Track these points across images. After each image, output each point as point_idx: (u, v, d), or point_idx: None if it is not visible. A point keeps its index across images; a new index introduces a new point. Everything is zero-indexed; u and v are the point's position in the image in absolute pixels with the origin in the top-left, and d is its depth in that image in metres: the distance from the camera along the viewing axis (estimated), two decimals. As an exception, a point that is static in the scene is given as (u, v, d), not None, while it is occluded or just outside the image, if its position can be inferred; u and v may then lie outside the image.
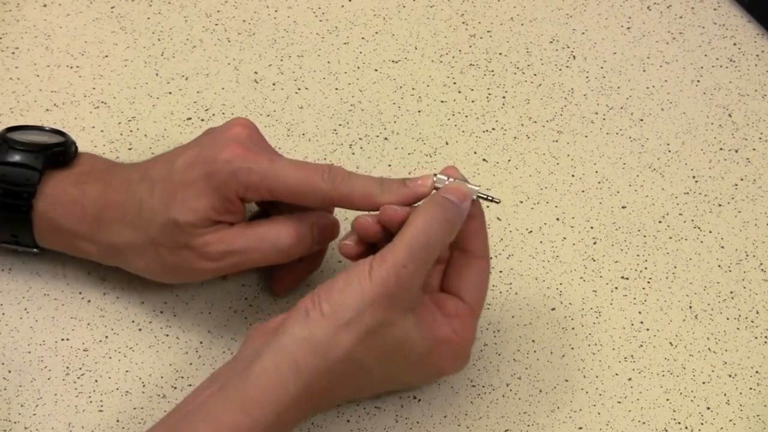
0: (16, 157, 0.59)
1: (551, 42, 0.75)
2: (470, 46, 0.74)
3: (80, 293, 0.62)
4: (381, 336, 0.52)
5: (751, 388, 0.62)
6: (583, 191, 0.68)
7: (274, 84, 0.71)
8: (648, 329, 0.63)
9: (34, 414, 0.58)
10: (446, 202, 0.54)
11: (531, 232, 0.67)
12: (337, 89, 0.71)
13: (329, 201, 0.56)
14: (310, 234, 0.58)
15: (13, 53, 0.71)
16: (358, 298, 0.52)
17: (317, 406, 0.54)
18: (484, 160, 0.69)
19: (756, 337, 0.64)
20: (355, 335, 0.52)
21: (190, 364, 0.61)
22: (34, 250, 0.61)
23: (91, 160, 0.61)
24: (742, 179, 0.70)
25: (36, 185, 0.58)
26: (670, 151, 0.70)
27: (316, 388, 0.52)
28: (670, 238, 0.67)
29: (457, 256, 0.57)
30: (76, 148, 0.61)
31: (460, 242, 0.56)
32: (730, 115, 0.72)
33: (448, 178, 0.56)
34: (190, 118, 0.69)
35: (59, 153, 0.60)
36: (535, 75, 0.73)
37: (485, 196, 0.56)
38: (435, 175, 0.56)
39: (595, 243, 0.66)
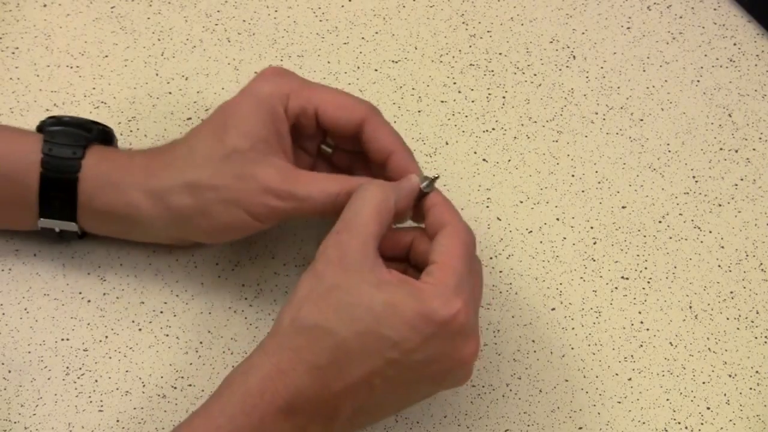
0: (62, 127, 0.60)
1: (551, 42, 0.75)
2: (470, 46, 0.74)
3: (80, 293, 0.62)
4: (332, 299, 0.52)
5: (751, 388, 0.62)
6: (583, 191, 0.68)
7: (274, 84, 0.71)
8: (648, 329, 0.63)
9: (34, 414, 0.58)
10: (379, 180, 0.57)
11: (531, 232, 0.67)
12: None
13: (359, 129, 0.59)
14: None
15: (13, 53, 0.71)
16: (305, 279, 0.54)
17: (307, 389, 0.53)
18: (484, 160, 0.69)
19: (756, 337, 0.64)
20: (307, 307, 0.53)
21: (190, 364, 0.61)
22: (74, 224, 0.60)
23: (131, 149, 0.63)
24: (742, 179, 0.70)
25: (84, 148, 0.59)
26: (670, 151, 0.71)
27: (285, 363, 0.52)
28: (670, 238, 0.67)
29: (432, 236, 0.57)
30: (116, 141, 0.64)
31: (433, 227, 0.56)
32: (730, 115, 0.72)
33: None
34: (190, 118, 0.69)
35: (102, 131, 0.62)
36: (535, 75, 0.73)
37: (426, 185, 0.58)
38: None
39: (595, 243, 0.66)
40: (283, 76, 0.60)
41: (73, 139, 0.60)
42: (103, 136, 0.62)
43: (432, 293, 0.53)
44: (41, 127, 0.61)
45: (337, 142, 0.62)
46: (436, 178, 0.58)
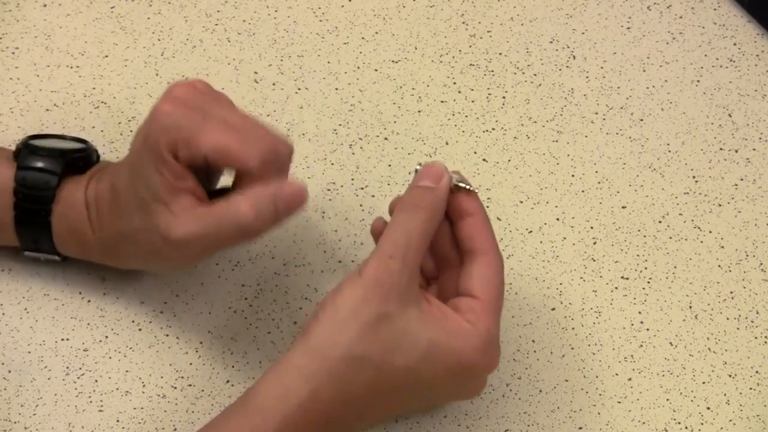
0: (38, 163, 0.59)
1: (551, 42, 0.75)
2: (470, 46, 0.74)
3: (80, 293, 0.62)
4: (380, 330, 0.51)
5: (751, 388, 0.62)
6: (583, 191, 0.68)
7: (274, 84, 0.71)
8: (648, 329, 0.63)
9: (34, 414, 0.58)
10: (418, 190, 0.55)
11: (531, 232, 0.67)
12: (337, 89, 0.71)
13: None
14: (273, 206, 0.54)
15: (13, 53, 0.71)
16: (350, 297, 0.52)
17: (337, 420, 0.52)
18: (484, 160, 0.69)
19: (756, 337, 0.64)
20: (353, 332, 0.51)
21: (190, 364, 0.61)
22: (56, 257, 0.61)
23: (107, 163, 0.61)
24: (742, 179, 0.70)
25: (55, 189, 0.58)
26: (670, 151, 0.70)
27: (324, 393, 0.51)
28: (670, 238, 0.67)
29: (466, 258, 0.56)
30: (98, 156, 0.62)
31: (465, 243, 0.55)
32: (730, 115, 0.72)
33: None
34: (190, 118, 0.69)
35: (79, 158, 0.60)
36: (535, 75, 0.73)
37: (461, 184, 0.55)
38: (418, 166, 0.56)
39: (595, 243, 0.66)
40: (177, 110, 0.54)
41: (43, 181, 0.58)
42: (78, 162, 0.60)
43: (476, 341, 0.53)
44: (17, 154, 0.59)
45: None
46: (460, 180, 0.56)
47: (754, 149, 0.71)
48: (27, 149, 0.59)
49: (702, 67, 0.74)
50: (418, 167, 0.56)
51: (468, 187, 0.56)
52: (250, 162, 0.54)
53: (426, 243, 0.54)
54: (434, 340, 0.52)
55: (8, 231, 0.59)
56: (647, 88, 0.73)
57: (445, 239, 0.56)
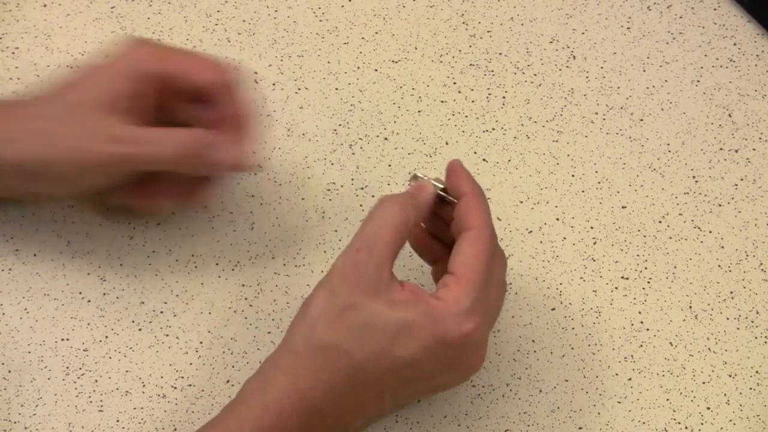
0: None
1: (551, 42, 0.75)
2: (470, 46, 0.74)
3: (80, 293, 0.62)
4: (347, 318, 0.52)
5: (751, 388, 0.62)
6: (583, 191, 0.68)
7: (274, 84, 0.71)
8: (648, 329, 0.63)
9: (34, 414, 0.58)
10: (400, 195, 0.56)
11: (531, 232, 0.67)
12: (337, 89, 0.71)
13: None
14: (206, 149, 0.59)
15: (13, 53, 0.71)
16: (320, 295, 0.54)
17: (325, 409, 0.53)
18: (484, 160, 0.69)
19: (756, 337, 0.64)
20: (322, 326, 0.53)
21: (190, 364, 0.61)
22: None
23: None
24: (742, 179, 0.70)
25: None
26: (670, 151, 0.70)
27: (302, 382, 0.52)
28: (670, 238, 0.67)
29: (457, 238, 0.56)
30: None
31: (458, 224, 0.56)
32: (730, 115, 0.72)
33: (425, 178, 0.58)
34: (190, 118, 0.69)
35: None
36: (535, 75, 0.73)
37: (445, 196, 0.57)
38: (415, 176, 0.58)
39: (595, 243, 0.66)
40: (144, 43, 0.60)
41: None
42: None
43: (446, 313, 0.53)
44: None
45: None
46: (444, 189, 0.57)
47: (754, 149, 0.71)
48: None
49: (702, 67, 0.74)
50: (412, 173, 0.58)
51: (451, 199, 0.57)
52: (210, 75, 0.59)
53: (399, 235, 0.54)
54: (403, 320, 0.52)
55: None
56: (647, 88, 0.73)
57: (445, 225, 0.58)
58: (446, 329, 0.53)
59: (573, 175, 0.69)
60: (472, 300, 0.53)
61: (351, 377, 0.53)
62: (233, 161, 0.60)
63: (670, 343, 0.63)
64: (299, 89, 0.71)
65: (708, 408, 0.61)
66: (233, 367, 0.61)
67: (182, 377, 0.60)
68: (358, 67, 0.73)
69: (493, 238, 0.55)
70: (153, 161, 0.58)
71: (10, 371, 0.60)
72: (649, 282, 0.65)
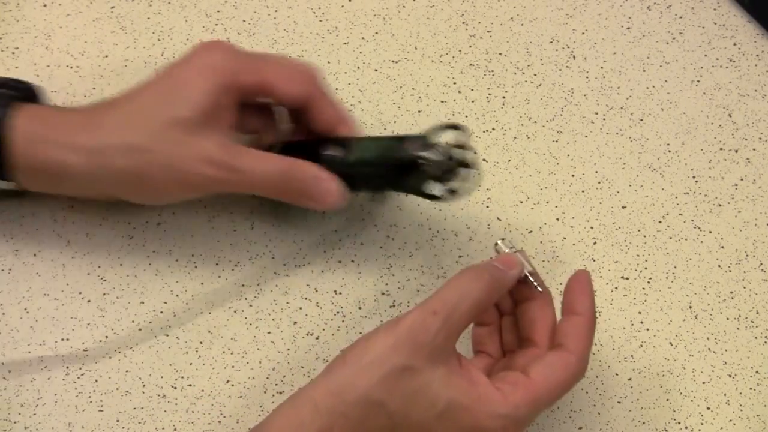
0: None
1: (551, 42, 0.75)
2: (470, 46, 0.74)
3: (80, 293, 0.62)
4: (401, 380, 0.51)
5: (751, 388, 0.62)
6: (583, 191, 0.68)
7: (274, 84, 0.71)
8: (648, 329, 0.63)
9: (34, 414, 0.58)
10: (489, 265, 0.55)
11: (531, 232, 0.67)
12: (337, 89, 0.71)
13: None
14: (309, 182, 0.59)
15: (13, 53, 0.71)
16: (380, 344, 0.52)
17: None
18: (484, 160, 0.69)
19: (756, 337, 0.64)
20: (374, 378, 0.51)
21: (190, 364, 0.61)
22: (11, 186, 0.59)
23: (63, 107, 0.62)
24: (742, 179, 0.70)
25: (7, 107, 0.58)
26: (670, 151, 0.70)
27: (336, 430, 0.51)
28: (670, 238, 0.67)
29: (551, 348, 0.55)
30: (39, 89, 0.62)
31: (559, 337, 0.55)
32: (730, 115, 0.72)
33: (511, 249, 0.57)
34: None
35: (27, 89, 0.61)
36: (535, 75, 0.73)
37: (533, 281, 0.56)
38: (499, 242, 0.58)
39: (595, 243, 0.66)
40: (230, 50, 0.60)
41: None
42: (31, 94, 0.61)
43: (498, 410, 0.52)
44: None
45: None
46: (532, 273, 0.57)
47: (754, 149, 0.71)
48: None
49: (702, 67, 0.74)
50: (499, 243, 0.57)
51: (537, 287, 0.56)
52: (307, 88, 0.60)
53: (477, 311, 0.53)
54: (454, 400, 0.51)
55: None
56: (647, 88, 0.73)
57: (542, 325, 0.56)
58: (491, 426, 0.51)
59: (573, 175, 0.69)
60: (530, 413, 0.52)
61: None
62: (334, 200, 0.60)
63: (670, 343, 0.63)
64: (299, 89, 0.71)
65: (708, 408, 0.61)
66: (233, 367, 0.61)
67: (182, 377, 0.60)
68: (358, 67, 0.73)
69: (582, 375, 0.54)
70: (251, 189, 0.59)
71: (10, 371, 0.60)
72: (649, 282, 0.65)
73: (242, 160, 0.58)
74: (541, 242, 0.66)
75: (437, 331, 0.51)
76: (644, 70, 0.74)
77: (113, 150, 0.57)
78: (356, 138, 0.61)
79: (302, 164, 0.59)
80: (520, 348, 0.57)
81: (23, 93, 0.61)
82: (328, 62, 0.73)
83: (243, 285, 0.63)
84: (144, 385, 0.60)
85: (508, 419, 0.51)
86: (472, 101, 0.72)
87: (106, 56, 0.72)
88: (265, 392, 0.60)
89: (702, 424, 0.60)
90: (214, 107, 0.58)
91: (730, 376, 0.62)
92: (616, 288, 0.65)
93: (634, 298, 0.64)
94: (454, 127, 0.59)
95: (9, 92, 0.60)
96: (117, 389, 0.59)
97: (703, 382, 0.62)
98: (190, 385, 0.60)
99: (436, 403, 0.51)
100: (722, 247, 0.67)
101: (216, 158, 0.57)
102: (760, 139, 0.71)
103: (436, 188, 0.58)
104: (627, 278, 0.65)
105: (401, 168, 0.58)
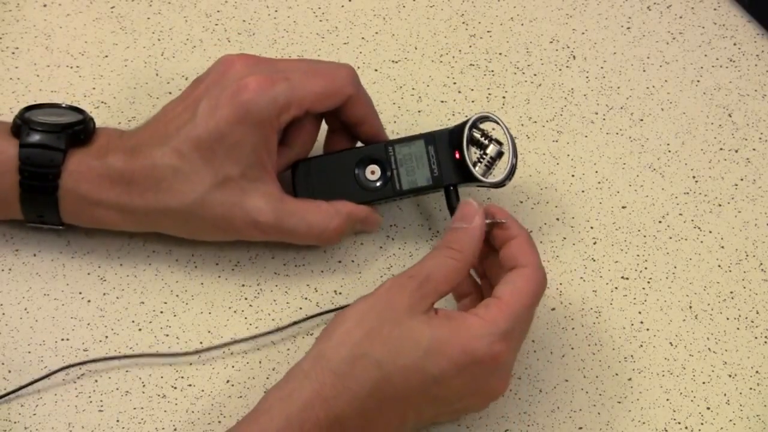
0: (37, 137, 0.59)
1: (551, 42, 0.75)
2: (470, 46, 0.74)
3: (80, 293, 0.62)
4: (383, 330, 0.53)
5: (751, 388, 0.62)
6: (583, 191, 0.68)
7: (274, 84, 0.71)
8: (648, 329, 0.63)
9: (34, 414, 0.58)
10: (453, 231, 0.57)
11: (531, 232, 0.67)
12: (337, 89, 0.71)
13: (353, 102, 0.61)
14: (354, 228, 0.63)
15: (13, 53, 0.71)
16: (359, 308, 0.54)
17: (346, 421, 0.53)
18: (484, 160, 0.69)
19: (756, 337, 0.64)
20: (357, 336, 0.53)
21: (190, 364, 0.61)
22: (60, 227, 0.61)
23: (106, 132, 0.61)
24: (742, 179, 0.70)
25: (60, 166, 0.58)
26: (670, 151, 0.70)
27: (327, 390, 0.52)
28: (670, 238, 0.67)
29: (507, 272, 0.57)
30: (94, 123, 0.62)
31: (508, 263, 0.56)
32: (730, 115, 0.72)
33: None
34: (190, 118, 0.69)
35: (80, 131, 0.60)
36: (535, 75, 0.73)
37: (493, 220, 0.58)
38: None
39: (595, 243, 0.66)
40: (273, 84, 0.58)
41: (48, 159, 0.58)
42: (80, 134, 0.60)
43: (480, 330, 0.53)
44: (18, 128, 0.59)
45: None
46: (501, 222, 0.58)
47: (754, 149, 0.71)
48: (26, 125, 0.59)
49: (702, 67, 0.74)
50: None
51: (500, 221, 0.58)
52: (347, 90, 0.60)
53: (452, 279, 0.55)
54: (436, 335, 0.53)
55: (13, 207, 0.60)
56: (647, 88, 0.73)
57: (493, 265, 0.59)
58: (478, 346, 0.53)
59: (573, 175, 0.69)
60: (510, 325, 0.54)
61: (378, 390, 0.52)
62: (380, 224, 0.65)
63: (670, 343, 0.63)
64: (299, 89, 0.71)
65: (708, 408, 0.61)
66: (233, 367, 0.61)
67: (182, 377, 0.60)
68: (358, 67, 0.72)
69: (545, 282, 0.56)
70: (295, 242, 0.62)
71: (10, 371, 0.60)
72: (649, 282, 0.65)
73: (291, 221, 0.60)
74: (541, 242, 0.66)
75: (413, 291, 0.54)
76: (644, 70, 0.74)
77: (161, 215, 0.59)
78: (395, 156, 0.63)
79: (353, 211, 0.61)
80: None
81: (75, 129, 0.60)
82: (328, 62, 0.73)
83: (243, 285, 0.63)
84: (144, 385, 0.60)
85: (492, 335, 0.53)
86: (472, 101, 0.72)
87: (106, 56, 0.72)
88: (265, 392, 0.60)
89: (702, 424, 0.60)
90: (259, 158, 0.59)
91: (730, 376, 0.62)
92: (616, 288, 0.65)
93: (634, 298, 0.64)
94: (483, 119, 0.62)
95: (60, 135, 0.59)
96: (117, 389, 0.59)
97: (703, 382, 0.62)
98: (190, 385, 0.60)
99: (420, 342, 0.53)
100: (722, 247, 0.67)
101: (262, 222, 0.59)
102: (760, 139, 0.71)
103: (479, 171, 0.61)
104: (627, 278, 0.65)
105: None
